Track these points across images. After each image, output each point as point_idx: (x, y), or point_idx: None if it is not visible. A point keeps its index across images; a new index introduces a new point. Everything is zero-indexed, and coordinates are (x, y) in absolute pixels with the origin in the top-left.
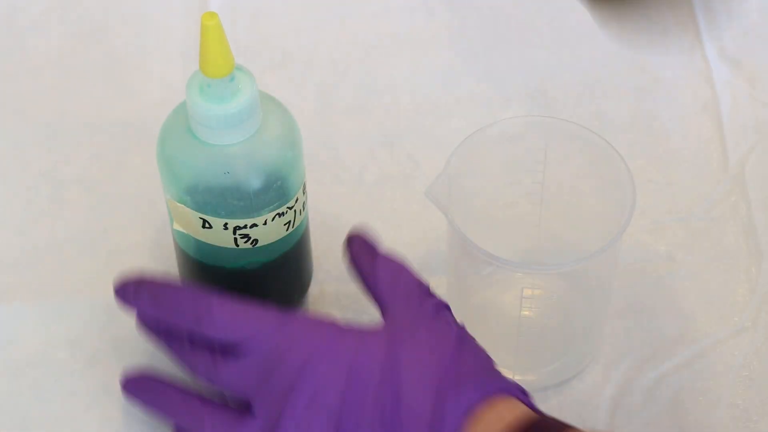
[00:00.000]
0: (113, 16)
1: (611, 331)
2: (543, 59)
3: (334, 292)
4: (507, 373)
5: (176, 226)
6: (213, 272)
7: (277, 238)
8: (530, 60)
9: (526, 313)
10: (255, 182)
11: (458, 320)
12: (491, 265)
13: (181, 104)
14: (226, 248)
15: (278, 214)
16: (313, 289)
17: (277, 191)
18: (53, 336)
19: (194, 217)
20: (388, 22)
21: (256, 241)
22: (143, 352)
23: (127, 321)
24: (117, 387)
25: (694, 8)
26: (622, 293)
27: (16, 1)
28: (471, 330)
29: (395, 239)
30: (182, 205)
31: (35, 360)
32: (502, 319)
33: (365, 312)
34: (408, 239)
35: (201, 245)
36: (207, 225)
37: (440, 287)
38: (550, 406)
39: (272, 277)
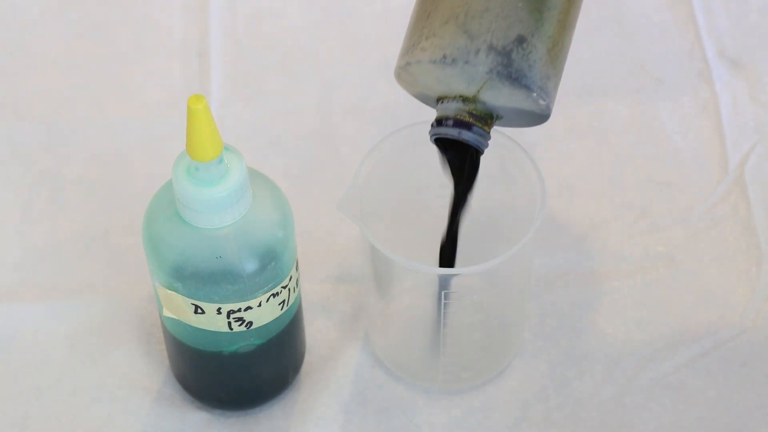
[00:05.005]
0: (113, 16)
1: (612, 332)
2: None
3: (331, 290)
4: (432, 375)
5: (166, 313)
6: (206, 357)
7: (271, 319)
8: None
9: (447, 315)
10: (249, 265)
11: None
12: (408, 272)
13: (166, 184)
14: (219, 332)
15: (272, 294)
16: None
17: (271, 272)
18: (53, 336)
19: (186, 303)
20: (388, 22)
21: (250, 323)
22: (142, 352)
23: (126, 321)
24: (116, 386)
25: (694, 8)
26: (622, 293)
27: (16, 1)
28: (393, 336)
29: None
30: (173, 292)
31: (35, 360)
32: (424, 322)
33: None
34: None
35: (193, 331)
36: (199, 310)
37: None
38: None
39: (268, 357)
